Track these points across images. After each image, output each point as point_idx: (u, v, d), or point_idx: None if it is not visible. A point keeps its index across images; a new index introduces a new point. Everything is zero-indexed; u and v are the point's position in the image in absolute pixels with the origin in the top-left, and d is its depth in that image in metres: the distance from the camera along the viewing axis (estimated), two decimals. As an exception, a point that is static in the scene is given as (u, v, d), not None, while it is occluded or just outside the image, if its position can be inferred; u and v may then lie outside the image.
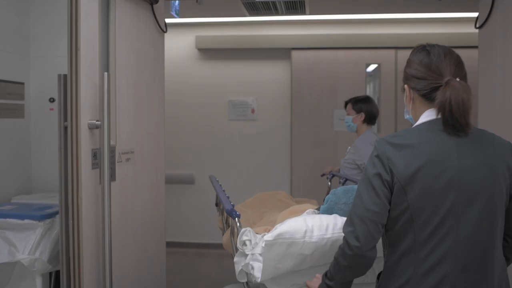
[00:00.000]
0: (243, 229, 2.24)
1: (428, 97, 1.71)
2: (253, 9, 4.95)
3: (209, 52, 5.89)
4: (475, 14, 5.44)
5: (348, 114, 3.75)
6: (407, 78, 1.80)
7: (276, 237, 1.97)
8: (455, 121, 1.61)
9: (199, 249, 5.86)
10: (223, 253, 5.64)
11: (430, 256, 1.57)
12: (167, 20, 5.53)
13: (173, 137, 5.73)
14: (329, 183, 3.88)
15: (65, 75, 2.18)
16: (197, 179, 5.91)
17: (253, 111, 5.87)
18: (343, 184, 3.29)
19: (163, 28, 3.24)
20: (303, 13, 5.13)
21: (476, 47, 5.57)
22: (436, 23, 5.60)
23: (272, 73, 5.85)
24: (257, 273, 2.08)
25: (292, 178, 5.79)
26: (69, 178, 2.18)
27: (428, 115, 1.70)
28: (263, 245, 2.06)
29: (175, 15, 4.46)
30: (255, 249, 2.16)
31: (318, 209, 2.42)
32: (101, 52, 2.41)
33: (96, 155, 2.32)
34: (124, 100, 2.67)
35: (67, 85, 2.16)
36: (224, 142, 5.90)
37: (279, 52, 5.80)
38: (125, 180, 2.70)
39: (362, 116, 3.62)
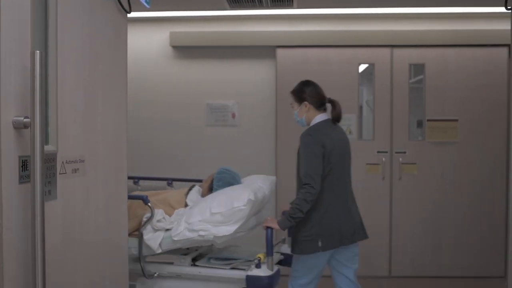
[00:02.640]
0: (157, 210, 3.25)
1: (318, 108, 3.24)
2: (235, 2, 4.71)
3: (185, 50, 5.43)
4: (477, 9, 5.10)
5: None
6: (305, 99, 3.23)
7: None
8: (339, 119, 3.23)
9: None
10: None
11: (338, 188, 3.13)
12: (138, 14, 5.14)
13: (145, 143, 5.24)
14: None
15: None
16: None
17: (233, 115, 5.39)
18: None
19: (126, 8, 2.65)
20: (290, 6, 4.86)
21: (477, 45, 5.26)
22: (434, 19, 5.23)
23: (255, 74, 5.41)
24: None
25: (278, 189, 5.28)
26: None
27: (321, 117, 3.22)
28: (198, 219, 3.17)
29: (145, 4, 3.90)
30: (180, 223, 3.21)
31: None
32: (35, 25, 1.81)
33: (26, 164, 1.71)
34: (70, 92, 2.06)
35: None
36: (202, 150, 5.42)
37: (263, 50, 5.36)
38: (71, 198, 2.09)
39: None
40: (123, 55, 2.70)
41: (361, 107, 5.33)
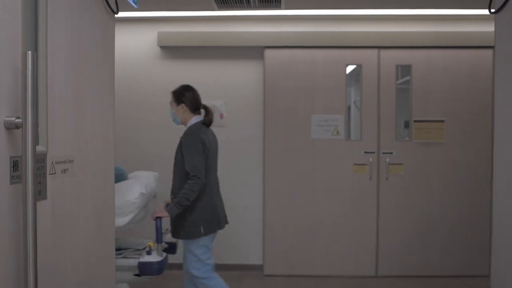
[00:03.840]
0: None
1: (193, 111, 3.68)
2: (223, 3, 4.68)
3: (173, 50, 5.40)
4: (463, 12, 5.14)
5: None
6: (184, 101, 3.67)
7: None
8: (211, 123, 3.67)
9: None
10: None
11: (213, 180, 3.64)
12: (125, 14, 5.11)
13: (133, 143, 5.19)
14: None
15: None
16: (160, 192, 5.33)
17: (221, 116, 5.36)
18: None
19: (113, 8, 2.63)
20: (278, 7, 4.85)
21: (462, 47, 5.30)
22: (420, 21, 5.26)
23: (243, 74, 5.39)
24: None
25: (265, 190, 5.31)
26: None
27: (197, 119, 3.65)
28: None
29: (132, 4, 3.88)
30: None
31: None
32: (26, 26, 1.79)
33: (17, 165, 1.70)
34: (59, 93, 2.05)
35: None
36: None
37: (251, 50, 5.35)
38: (61, 198, 2.07)
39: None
40: (110, 55, 2.69)
41: (349, 108, 5.34)
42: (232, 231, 5.37)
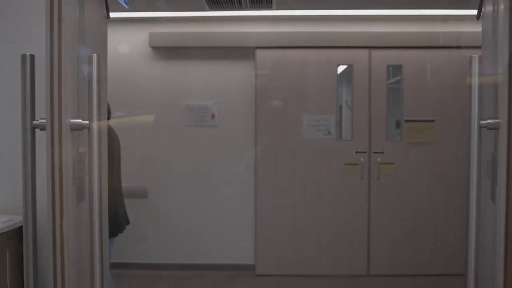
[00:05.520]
0: None
1: None
2: (214, 3, 4.66)
3: (164, 50, 5.39)
4: (454, 12, 5.17)
5: None
6: None
7: None
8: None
9: (154, 271, 5.32)
10: (181, 274, 5.20)
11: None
12: (117, 14, 5.10)
13: (124, 144, 5.19)
14: None
15: (32, 55, 1.65)
16: (151, 192, 5.37)
17: (213, 116, 5.38)
18: None
19: (104, 13, 2.63)
20: (269, 8, 4.84)
21: (452, 47, 5.34)
22: (411, 21, 5.28)
23: (235, 75, 5.40)
24: None
25: (257, 191, 5.33)
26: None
27: None
28: None
29: (124, 4, 3.88)
30: None
31: None
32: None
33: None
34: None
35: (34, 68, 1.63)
36: (181, 151, 5.39)
37: (242, 51, 5.35)
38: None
39: None
40: (103, 56, 2.68)
41: (340, 108, 5.37)
42: (224, 231, 5.41)
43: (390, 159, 5.25)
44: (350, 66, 5.32)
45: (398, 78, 5.32)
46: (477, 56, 1.83)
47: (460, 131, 5.23)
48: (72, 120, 1.67)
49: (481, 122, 1.92)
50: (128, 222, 3.73)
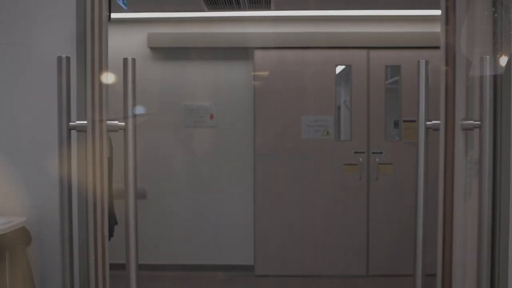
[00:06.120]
0: None
1: None
2: (213, 4, 4.68)
3: (163, 51, 5.40)
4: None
5: None
6: None
7: None
8: None
9: (153, 272, 5.30)
10: (181, 275, 5.20)
11: None
12: (115, 15, 5.10)
13: (120, 146, 5.19)
14: None
15: (68, 57, 1.73)
16: (150, 193, 5.37)
17: (212, 116, 5.38)
18: None
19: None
20: (268, 8, 4.86)
21: None
22: (410, 22, 5.28)
23: (233, 75, 5.41)
24: None
25: (256, 191, 5.33)
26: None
27: None
28: None
29: (122, 5, 3.88)
30: None
31: None
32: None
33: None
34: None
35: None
36: (180, 152, 5.40)
37: (240, 52, 5.35)
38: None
39: None
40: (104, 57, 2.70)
41: (339, 108, 5.37)
42: (223, 232, 5.41)
43: (389, 159, 5.25)
44: (348, 67, 5.32)
45: (396, 78, 5.32)
46: (424, 61, 2.07)
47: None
48: (109, 122, 1.69)
49: (427, 123, 2.16)
50: (115, 223, 3.78)
